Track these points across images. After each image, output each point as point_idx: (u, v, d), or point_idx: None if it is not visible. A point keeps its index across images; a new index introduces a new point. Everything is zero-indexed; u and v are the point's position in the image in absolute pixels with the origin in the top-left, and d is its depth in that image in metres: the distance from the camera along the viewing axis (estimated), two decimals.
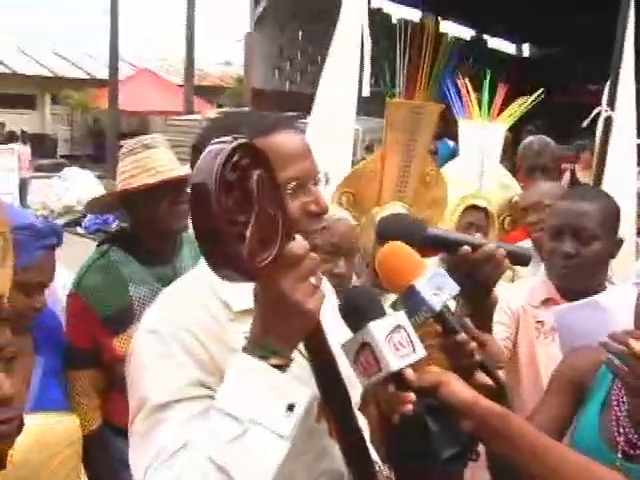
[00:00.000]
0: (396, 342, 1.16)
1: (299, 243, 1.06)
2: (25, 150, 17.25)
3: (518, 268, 3.19)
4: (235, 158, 0.95)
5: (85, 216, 12.38)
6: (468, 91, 3.42)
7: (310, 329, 1.10)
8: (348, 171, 2.97)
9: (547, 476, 1.22)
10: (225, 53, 26.52)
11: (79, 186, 12.11)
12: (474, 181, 3.17)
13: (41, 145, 21.32)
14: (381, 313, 1.22)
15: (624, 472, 1.44)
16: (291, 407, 1.06)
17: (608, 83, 3.04)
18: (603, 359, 1.68)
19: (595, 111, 2.95)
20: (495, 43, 22.52)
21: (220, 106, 19.90)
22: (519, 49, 24.60)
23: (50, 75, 25.05)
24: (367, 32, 3.38)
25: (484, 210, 3.05)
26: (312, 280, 1.07)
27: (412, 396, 1.16)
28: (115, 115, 15.16)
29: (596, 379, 1.68)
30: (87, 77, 25.05)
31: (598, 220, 2.06)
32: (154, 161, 2.30)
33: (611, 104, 2.99)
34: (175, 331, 1.23)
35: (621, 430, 1.57)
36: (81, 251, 2.46)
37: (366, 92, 3.39)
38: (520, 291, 2.38)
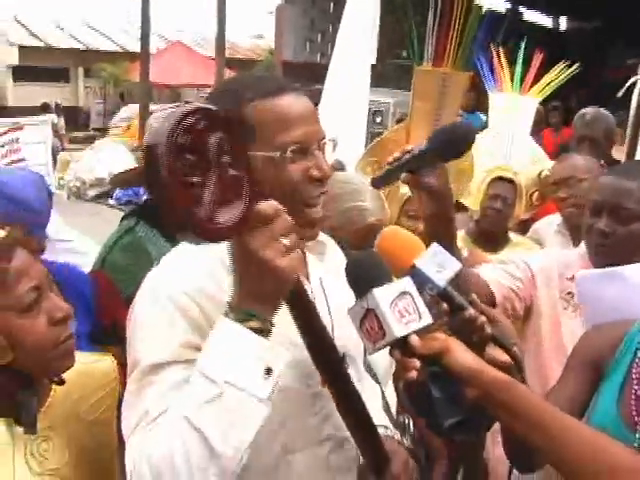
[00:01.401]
0: (401, 308, 1.15)
1: (269, 203, 1.04)
2: (60, 122, 17.49)
3: (545, 240, 3.16)
4: (188, 121, 0.94)
5: (116, 188, 12.51)
6: (501, 63, 3.37)
7: (285, 289, 1.08)
8: (362, 138, 2.96)
9: (550, 447, 1.19)
10: (257, 25, 26.30)
11: (111, 158, 12.19)
12: (503, 154, 3.13)
13: (74, 118, 21.53)
14: (387, 279, 1.20)
15: None
16: (269, 371, 1.06)
17: None
18: (624, 335, 1.65)
19: (630, 81, 2.85)
20: (531, 16, 21.99)
21: None
22: (556, 22, 24.02)
23: (83, 48, 25.19)
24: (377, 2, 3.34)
25: (511, 182, 3.02)
26: (285, 241, 1.05)
27: (416, 363, 1.15)
28: (146, 88, 15.19)
29: (616, 356, 1.62)
30: (120, 50, 25.13)
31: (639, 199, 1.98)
32: None
33: None
34: (173, 294, 1.23)
35: None
36: (112, 222, 2.47)
37: (373, 60, 3.35)
38: (549, 257, 2.33)
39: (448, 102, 2.58)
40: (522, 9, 21.11)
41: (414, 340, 1.16)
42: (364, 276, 1.22)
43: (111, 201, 12.32)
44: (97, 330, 2.17)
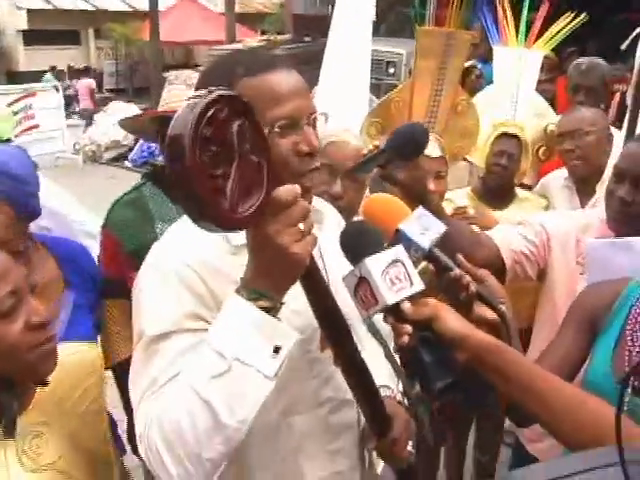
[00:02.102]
0: (392, 277, 1.18)
1: (287, 188, 1.06)
2: (88, 83, 17.45)
3: (552, 195, 3.15)
4: (212, 111, 0.94)
5: (132, 150, 12.53)
6: (505, 16, 3.30)
7: (299, 273, 1.11)
8: (365, 95, 2.94)
9: (538, 408, 1.22)
10: None
11: None
12: (508, 109, 3.10)
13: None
14: (380, 247, 1.23)
15: (632, 406, 1.45)
16: (277, 349, 1.10)
17: None
18: (620, 292, 1.67)
19: (636, 31, 2.79)
20: None
21: (263, 33, 19.57)
22: None
23: (92, 9, 24.94)
24: None
25: (517, 138, 3.00)
26: (300, 225, 1.08)
27: (408, 328, 1.18)
28: (157, 47, 15.06)
29: (612, 313, 1.65)
30: (129, 9, 24.86)
31: None
32: (171, 96, 2.33)
33: None
34: (176, 266, 1.28)
35: (632, 364, 1.55)
36: (129, 184, 2.51)
37: (372, 16, 3.31)
38: (567, 220, 2.30)
39: (452, 60, 2.54)
40: None
41: (405, 306, 1.19)
42: (357, 245, 1.25)
43: (127, 163, 12.36)
44: (104, 285, 2.24)
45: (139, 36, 20.76)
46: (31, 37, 23.32)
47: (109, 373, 2.27)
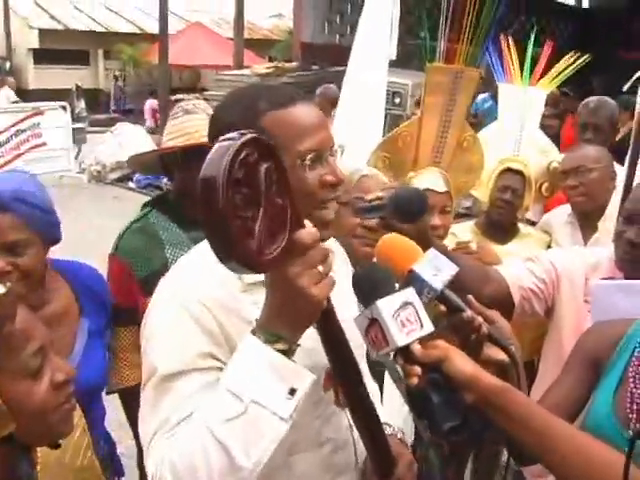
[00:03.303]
0: (403, 319, 1.20)
1: (308, 232, 1.08)
2: (81, 105, 17.72)
3: (555, 231, 3.19)
4: (243, 154, 0.97)
5: (136, 171, 12.57)
6: (510, 54, 3.36)
7: (316, 315, 1.12)
8: (380, 128, 2.97)
9: (544, 452, 1.25)
10: (276, 5, 26.08)
11: (131, 142, 12.26)
12: (512, 145, 3.14)
13: (95, 100, 21.65)
14: (392, 289, 1.26)
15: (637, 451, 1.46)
16: (292, 391, 1.11)
17: None
18: (624, 333, 1.68)
19: (638, 74, 2.84)
20: None
21: (271, 59, 19.76)
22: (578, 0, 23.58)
23: (103, 30, 25.23)
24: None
25: (520, 173, 3.04)
26: (320, 268, 1.09)
27: (417, 370, 1.20)
28: (165, 69, 15.22)
29: (615, 353, 1.65)
30: (139, 31, 25.15)
31: None
32: (192, 126, 2.33)
33: None
34: (187, 303, 1.27)
35: (634, 406, 1.54)
36: (133, 205, 2.54)
37: (393, 55, 3.35)
38: (576, 258, 2.30)
39: (460, 96, 2.59)
40: None
41: (415, 349, 1.22)
42: (369, 286, 1.27)
43: (131, 184, 12.41)
44: (115, 313, 2.24)
45: (148, 58, 20.96)
46: (41, 56, 23.58)
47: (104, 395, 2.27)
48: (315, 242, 1.08)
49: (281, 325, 1.11)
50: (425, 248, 1.60)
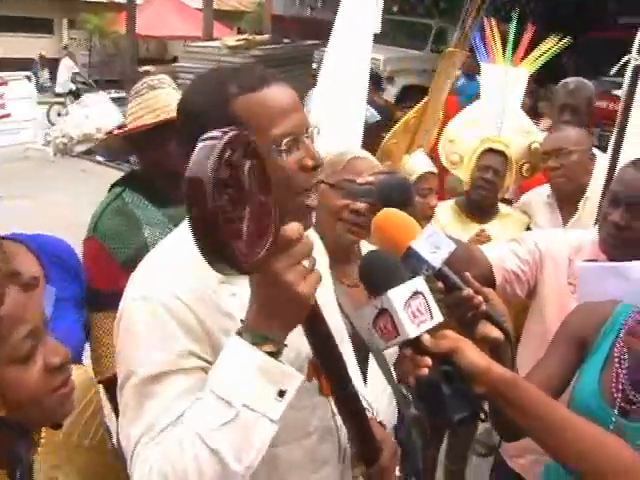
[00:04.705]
0: (414, 309, 1.19)
1: (292, 227, 1.05)
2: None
3: (534, 212, 3.21)
4: (227, 154, 0.94)
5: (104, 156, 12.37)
6: (493, 35, 3.36)
7: (305, 313, 1.10)
8: (363, 106, 2.98)
9: (553, 442, 1.27)
10: None
11: (98, 113, 12.03)
12: (493, 125, 3.15)
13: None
14: (401, 277, 1.24)
15: (618, 427, 1.49)
16: (282, 393, 1.09)
17: None
18: (609, 314, 1.71)
19: (624, 59, 2.86)
20: None
21: (240, 31, 19.49)
22: None
23: None
24: None
25: (502, 154, 3.06)
26: (305, 263, 1.07)
27: (428, 361, 1.19)
28: (132, 40, 14.94)
29: (600, 335, 1.69)
30: (105, 0, 24.58)
31: None
32: (158, 102, 2.27)
33: None
34: (164, 298, 1.21)
35: (620, 386, 1.59)
36: (101, 178, 2.47)
37: (377, 29, 3.32)
38: (560, 239, 2.31)
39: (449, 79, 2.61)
40: None
41: (426, 340, 1.21)
42: (378, 276, 1.26)
43: (99, 157, 12.20)
44: (93, 297, 2.19)
45: (115, 28, 20.53)
46: (2, 24, 22.93)
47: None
48: (300, 237, 1.05)
49: (268, 326, 1.08)
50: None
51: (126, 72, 14.68)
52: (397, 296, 1.19)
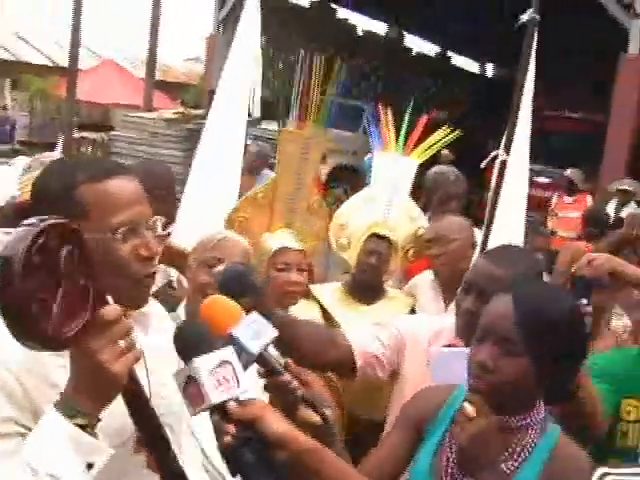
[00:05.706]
0: (220, 377, 1.23)
1: (110, 308, 1.12)
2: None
3: (419, 294, 3.32)
4: (42, 240, 1.01)
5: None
6: (387, 122, 3.53)
7: (117, 391, 1.15)
8: (236, 190, 3.08)
9: None
10: (193, 49, 26.19)
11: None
12: (381, 211, 3.27)
13: None
14: (211, 348, 1.28)
15: None
16: (90, 466, 1.13)
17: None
18: (447, 398, 1.78)
19: (492, 154, 3.07)
20: (459, 61, 22.80)
21: (183, 103, 19.73)
22: (483, 68, 24.92)
23: (11, 59, 24.59)
24: (259, 54, 3.47)
25: (387, 239, 3.17)
26: (122, 343, 1.13)
27: (231, 428, 1.23)
28: (72, 105, 14.94)
29: (436, 419, 1.75)
30: (50, 64, 24.65)
31: (507, 285, 2.02)
32: None
33: (507, 148, 3.09)
34: None
35: (449, 470, 1.65)
36: None
37: (257, 113, 3.47)
38: (421, 323, 2.42)
39: (310, 160, 2.71)
40: (450, 53, 21.85)
41: (230, 406, 1.24)
42: (189, 345, 1.29)
43: None
44: None
45: (58, 92, 20.52)
46: None
47: None
48: (117, 318, 1.12)
49: (81, 399, 1.13)
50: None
51: (63, 136, 14.65)
52: (203, 363, 1.23)
